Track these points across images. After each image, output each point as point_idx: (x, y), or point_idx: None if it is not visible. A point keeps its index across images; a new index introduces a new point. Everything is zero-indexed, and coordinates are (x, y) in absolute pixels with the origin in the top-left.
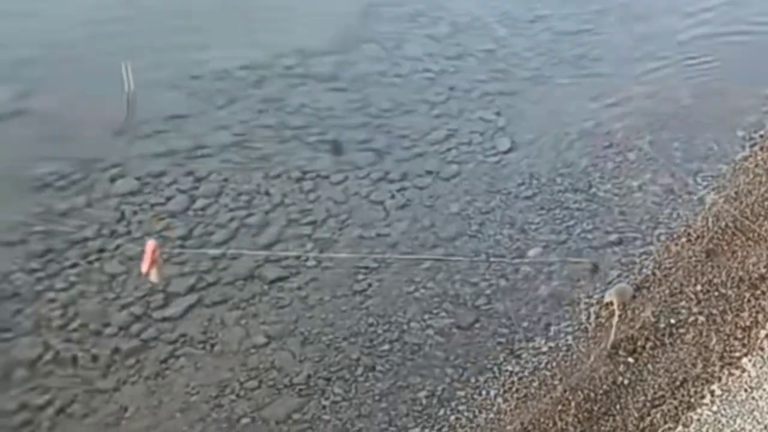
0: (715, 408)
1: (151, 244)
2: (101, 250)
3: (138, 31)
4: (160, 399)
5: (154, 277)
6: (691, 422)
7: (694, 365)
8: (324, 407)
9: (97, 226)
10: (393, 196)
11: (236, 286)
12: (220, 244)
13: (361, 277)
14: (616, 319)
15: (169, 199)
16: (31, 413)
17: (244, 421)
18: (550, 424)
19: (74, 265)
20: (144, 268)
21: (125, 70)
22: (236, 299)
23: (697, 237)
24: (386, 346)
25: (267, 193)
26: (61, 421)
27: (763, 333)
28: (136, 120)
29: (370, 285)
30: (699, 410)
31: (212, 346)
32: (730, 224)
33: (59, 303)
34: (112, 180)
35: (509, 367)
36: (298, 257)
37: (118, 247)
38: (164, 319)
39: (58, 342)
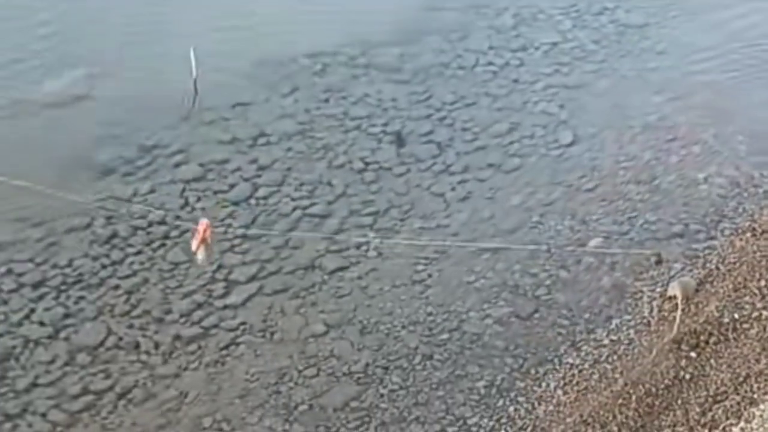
0: None
1: (203, 222)
2: (165, 237)
3: (204, 17)
4: (219, 385)
5: (201, 255)
6: (753, 418)
7: (758, 361)
8: (381, 395)
9: (161, 212)
10: (454, 189)
11: (297, 276)
12: (283, 232)
13: (420, 267)
14: (679, 313)
15: (232, 186)
16: (94, 397)
17: (302, 408)
18: (610, 418)
19: (138, 252)
20: (194, 246)
21: (192, 56)
22: (296, 288)
23: (762, 231)
24: (445, 335)
25: (329, 184)
26: (123, 406)
27: None
28: (201, 106)
29: (429, 275)
30: (762, 406)
31: (272, 334)
32: None
33: (123, 289)
34: (177, 166)
35: (569, 359)
36: (358, 247)
37: (181, 234)
38: (225, 307)
39: (121, 328)
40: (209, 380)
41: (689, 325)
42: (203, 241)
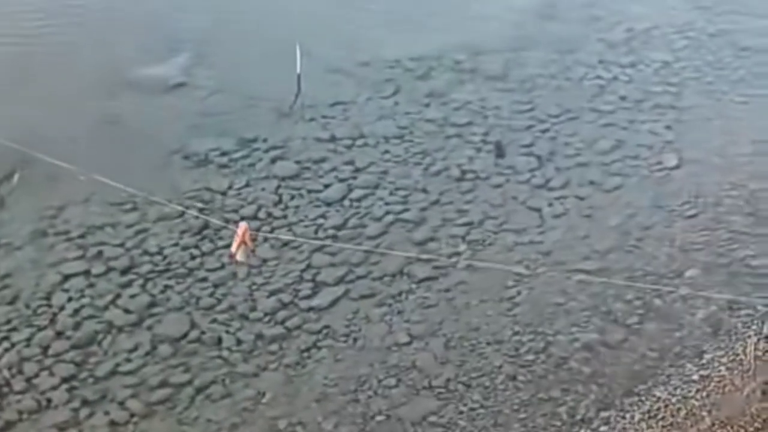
0: None
1: (242, 226)
2: (256, 231)
3: (313, 13)
4: (298, 388)
5: (240, 256)
6: None
7: None
8: (461, 412)
9: (254, 207)
10: (551, 204)
11: (384, 282)
12: (374, 237)
13: (511, 283)
14: None
15: (327, 186)
16: (172, 390)
17: (379, 418)
18: None
19: (228, 245)
20: (233, 247)
21: (298, 51)
22: (383, 295)
23: None
24: (530, 356)
25: (424, 190)
26: (200, 401)
27: None
28: (302, 102)
29: (519, 293)
30: None
31: (354, 340)
32: None
33: (210, 282)
34: (273, 161)
35: (656, 392)
36: (449, 257)
37: (273, 230)
38: (310, 309)
39: (205, 321)
40: (288, 382)
41: None
42: (242, 243)
